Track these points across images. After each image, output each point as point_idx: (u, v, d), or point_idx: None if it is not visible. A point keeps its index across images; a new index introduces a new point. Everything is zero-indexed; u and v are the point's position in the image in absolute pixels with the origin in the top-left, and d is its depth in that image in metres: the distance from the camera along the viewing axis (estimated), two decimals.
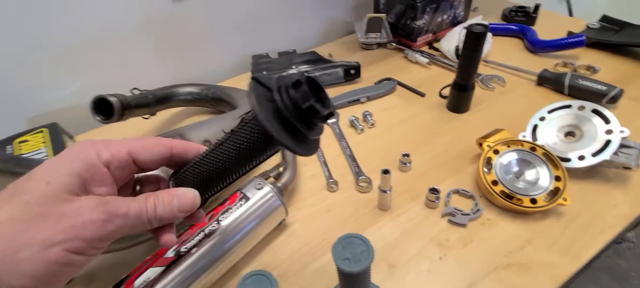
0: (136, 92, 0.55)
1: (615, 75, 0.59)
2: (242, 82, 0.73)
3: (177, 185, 0.25)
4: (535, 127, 0.46)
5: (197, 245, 0.36)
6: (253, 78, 0.22)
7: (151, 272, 0.33)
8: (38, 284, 0.18)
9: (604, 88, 0.51)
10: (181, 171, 0.25)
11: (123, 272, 0.40)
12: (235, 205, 0.39)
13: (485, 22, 0.61)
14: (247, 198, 0.40)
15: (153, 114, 0.57)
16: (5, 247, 0.17)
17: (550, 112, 0.46)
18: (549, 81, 0.57)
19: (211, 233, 0.37)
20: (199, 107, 0.66)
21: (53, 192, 0.19)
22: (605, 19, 0.70)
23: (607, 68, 0.61)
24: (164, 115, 0.65)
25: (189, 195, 0.23)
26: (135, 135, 0.62)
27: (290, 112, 0.20)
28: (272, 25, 0.79)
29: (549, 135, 0.45)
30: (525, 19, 0.76)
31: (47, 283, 0.18)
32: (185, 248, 0.35)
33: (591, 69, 0.60)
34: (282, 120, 0.20)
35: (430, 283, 0.35)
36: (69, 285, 0.40)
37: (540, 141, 0.45)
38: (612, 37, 0.64)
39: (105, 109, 0.49)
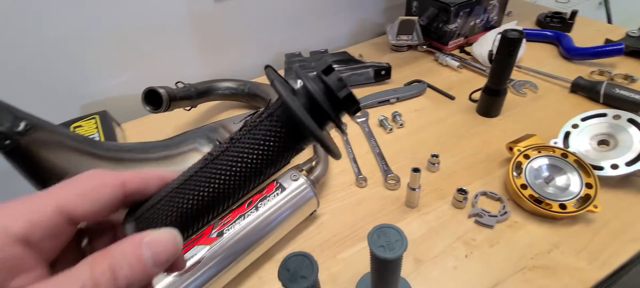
0: (180, 85, 0.59)
1: None
2: None
3: (140, 227, 0.17)
4: (567, 134, 0.46)
5: (237, 228, 0.39)
6: (267, 66, 0.18)
7: (196, 249, 0.37)
8: None
9: None
10: (145, 206, 0.18)
11: None
12: (272, 194, 0.42)
13: (520, 28, 0.61)
14: (283, 188, 0.42)
15: (194, 106, 0.62)
16: None
17: (584, 119, 0.46)
18: (584, 89, 0.57)
19: (250, 218, 0.40)
20: (235, 102, 0.70)
21: None
22: None
23: None
24: (203, 107, 0.70)
25: (163, 239, 0.15)
26: (177, 125, 0.66)
27: (325, 100, 0.16)
28: (305, 25, 0.82)
29: (582, 143, 0.45)
30: (561, 25, 0.75)
31: None
32: (227, 229, 0.39)
33: (629, 78, 0.58)
34: (314, 111, 0.16)
35: (456, 279, 0.37)
36: None
37: (572, 148, 0.45)
38: None
39: (154, 100, 0.54)
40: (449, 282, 0.37)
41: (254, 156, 0.17)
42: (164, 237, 0.15)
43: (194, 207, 0.17)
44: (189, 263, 0.35)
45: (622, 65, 0.63)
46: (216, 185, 0.17)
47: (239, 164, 0.17)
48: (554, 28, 0.75)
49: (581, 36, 0.72)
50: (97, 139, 0.59)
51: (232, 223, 0.39)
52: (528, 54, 0.70)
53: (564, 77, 0.60)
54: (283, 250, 0.42)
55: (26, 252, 0.14)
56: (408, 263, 0.39)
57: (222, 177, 0.17)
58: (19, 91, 0.64)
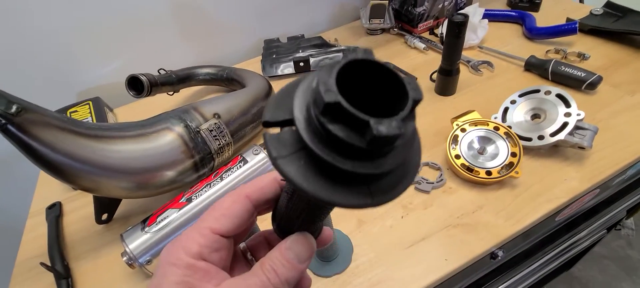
0: (162, 72, 0.65)
1: (605, 62, 0.61)
2: (254, 64, 0.81)
3: (283, 234, 0.20)
4: (506, 110, 0.50)
5: (203, 195, 0.45)
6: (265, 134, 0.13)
7: (169, 212, 0.43)
8: None
9: (582, 74, 0.54)
10: (278, 213, 0.21)
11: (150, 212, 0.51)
12: (236, 166, 0.48)
13: (482, 10, 0.65)
14: (245, 161, 0.48)
15: (177, 91, 0.67)
16: None
17: (521, 95, 0.50)
18: (535, 67, 0.60)
19: (216, 187, 0.46)
20: (215, 86, 0.75)
21: None
22: (609, 5, 0.70)
23: (599, 55, 0.62)
24: (186, 92, 0.75)
25: (301, 242, 0.19)
26: (163, 109, 0.72)
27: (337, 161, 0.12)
28: (284, 11, 0.86)
29: (518, 117, 0.49)
30: (529, 5, 0.77)
31: None
32: (195, 196, 0.45)
33: (581, 56, 0.62)
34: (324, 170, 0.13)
35: (390, 235, 0.42)
36: (111, 224, 0.51)
37: (509, 122, 0.49)
38: (611, 24, 0.65)
39: (137, 86, 0.60)
40: (384, 237, 0.42)
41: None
42: (299, 240, 0.19)
43: (300, 216, 0.19)
44: (162, 224, 0.42)
45: (580, 44, 0.66)
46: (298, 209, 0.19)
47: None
48: (523, 8, 0.78)
49: (548, 15, 0.75)
50: (90, 121, 0.65)
51: (199, 191, 0.46)
52: (493, 34, 0.73)
53: (521, 56, 0.64)
54: None
55: (207, 265, 0.19)
56: (352, 223, 0.45)
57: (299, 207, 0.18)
58: (21, 81, 0.70)
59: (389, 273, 0.39)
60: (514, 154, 0.44)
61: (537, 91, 0.49)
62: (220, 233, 0.20)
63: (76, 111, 0.68)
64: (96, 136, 0.41)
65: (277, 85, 0.70)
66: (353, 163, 0.12)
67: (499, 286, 0.67)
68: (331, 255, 0.41)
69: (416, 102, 0.12)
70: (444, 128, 0.55)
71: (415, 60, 0.72)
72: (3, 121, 0.34)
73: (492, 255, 0.43)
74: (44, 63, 0.70)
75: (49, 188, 0.60)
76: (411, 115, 0.12)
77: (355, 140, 0.11)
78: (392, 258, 0.40)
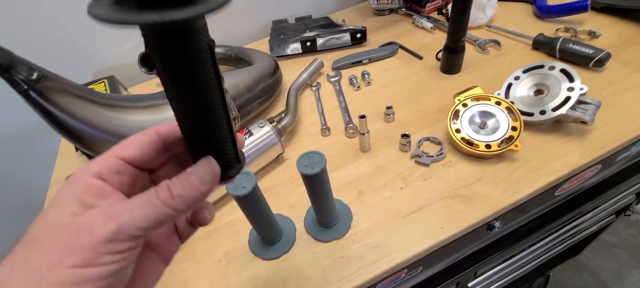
0: None
1: (616, 40, 0.59)
2: (262, 44, 0.83)
3: (195, 156, 0.21)
4: (509, 86, 0.50)
5: None
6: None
7: None
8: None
9: (590, 52, 0.53)
10: (185, 143, 0.22)
11: None
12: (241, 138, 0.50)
13: None
14: (251, 134, 0.50)
15: None
16: (37, 274, 0.17)
17: (525, 71, 0.50)
18: (543, 45, 0.60)
19: None
20: (224, 65, 0.77)
21: (55, 225, 0.18)
22: None
23: (610, 33, 0.61)
24: None
25: (203, 165, 0.20)
26: None
27: None
28: None
29: (521, 93, 0.49)
30: None
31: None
32: None
33: (592, 34, 0.60)
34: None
35: (389, 205, 0.44)
36: None
37: (512, 98, 0.49)
38: (624, 1, 0.63)
39: (149, 63, 0.62)
40: (383, 207, 0.44)
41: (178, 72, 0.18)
42: (202, 163, 0.20)
43: (198, 134, 0.20)
44: None
45: (591, 22, 0.65)
46: (189, 114, 0.19)
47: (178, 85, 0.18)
48: None
49: None
50: None
51: None
52: (502, 13, 0.72)
53: (529, 34, 0.63)
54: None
55: (103, 184, 0.20)
56: (352, 194, 0.46)
57: (186, 108, 0.19)
58: (37, 61, 0.74)
59: (386, 239, 0.40)
60: (514, 128, 0.45)
61: (541, 66, 0.48)
62: (123, 159, 0.21)
63: (92, 88, 0.71)
64: (111, 105, 0.44)
65: (284, 65, 0.71)
66: None
67: (501, 263, 0.68)
68: (331, 222, 0.42)
69: None
70: (447, 105, 0.55)
71: (422, 39, 0.72)
72: (25, 87, 0.37)
73: (489, 226, 0.44)
74: (59, 43, 0.74)
75: (68, 161, 0.63)
76: None
77: None
78: (389, 226, 0.42)
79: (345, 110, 0.59)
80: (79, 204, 0.19)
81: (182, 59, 0.17)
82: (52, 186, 0.60)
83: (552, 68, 0.47)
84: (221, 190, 0.48)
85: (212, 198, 0.48)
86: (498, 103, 0.47)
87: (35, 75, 0.37)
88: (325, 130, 0.56)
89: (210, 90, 0.19)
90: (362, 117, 0.47)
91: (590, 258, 1.20)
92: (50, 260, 0.17)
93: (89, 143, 0.43)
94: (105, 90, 0.71)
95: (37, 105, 0.38)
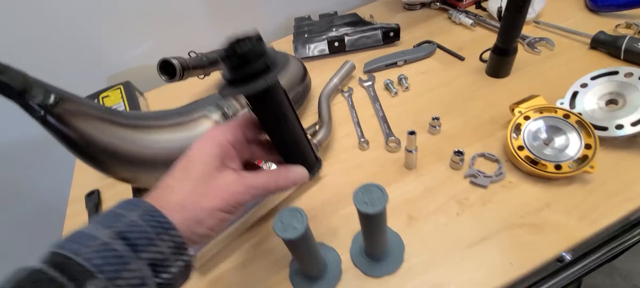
0: (193, 54, 0.62)
1: None
2: (285, 44, 0.77)
3: (286, 161, 0.32)
4: (575, 94, 0.45)
5: None
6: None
7: None
8: (211, 233, 0.27)
9: None
10: (277, 143, 0.31)
11: None
12: None
13: None
14: None
15: (208, 74, 0.65)
16: (192, 211, 0.26)
17: (593, 78, 0.44)
18: (604, 44, 0.53)
19: None
20: None
21: (208, 172, 0.27)
22: None
23: None
24: (216, 75, 0.73)
25: (298, 171, 0.31)
26: (193, 93, 0.70)
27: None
28: None
29: (589, 103, 0.43)
30: None
31: (215, 232, 0.27)
32: None
33: None
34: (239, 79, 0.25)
35: (445, 234, 0.39)
36: None
37: (578, 109, 0.44)
38: None
39: (169, 70, 0.57)
40: (438, 236, 0.39)
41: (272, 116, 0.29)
42: (298, 170, 0.31)
43: (290, 151, 0.31)
44: None
45: None
46: (280, 138, 0.31)
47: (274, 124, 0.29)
48: None
49: None
50: (123, 107, 0.64)
51: None
52: (550, 7, 0.65)
53: (585, 32, 0.57)
54: (289, 207, 0.46)
55: (234, 151, 0.28)
56: (401, 220, 0.41)
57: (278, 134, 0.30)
58: (49, 66, 0.70)
59: (446, 276, 0.36)
60: (588, 146, 0.39)
61: (615, 73, 0.43)
62: (243, 134, 0.29)
63: (108, 96, 0.67)
64: (135, 126, 0.39)
65: (311, 67, 0.66)
66: (240, 69, 0.24)
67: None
68: (381, 255, 0.38)
69: (258, 37, 0.25)
70: (499, 115, 0.50)
71: (461, 37, 0.66)
72: (42, 112, 0.32)
73: (559, 259, 0.39)
74: (72, 47, 0.69)
75: (86, 174, 0.60)
76: (258, 42, 0.24)
77: (233, 59, 0.24)
78: (448, 259, 0.37)
79: (384, 120, 0.54)
80: (220, 162, 0.27)
81: (280, 103, 0.28)
82: (70, 204, 0.56)
83: (629, 74, 0.42)
84: (257, 214, 0.44)
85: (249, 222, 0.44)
86: (566, 116, 0.41)
87: (52, 99, 0.33)
88: (364, 143, 0.51)
89: (289, 116, 0.29)
90: (412, 133, 0.42)
91: (623, 262, 1.14)
92: (211, 204, 0.26)
93: (111, 167, 0.39)
94: (122, 97, 0.67)
95: (56, 132, 0.34)
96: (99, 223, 0.23)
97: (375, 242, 0.35)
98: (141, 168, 0.40)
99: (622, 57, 0.51)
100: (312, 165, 0.32)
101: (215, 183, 0.27)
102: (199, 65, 0.61)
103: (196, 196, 0.26)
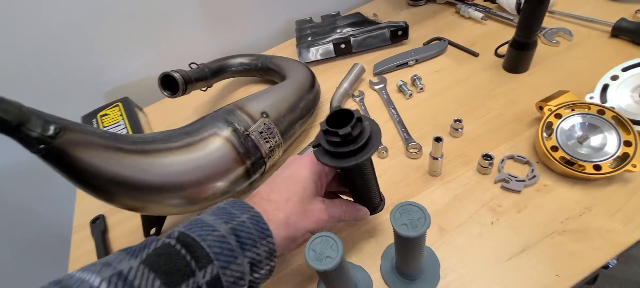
0: (194, 66, 0.59)
1: None
2: (287, 48, 0.74)
3: (358, 203, 0.37)
4: (605, 88, 0.43)
5: None
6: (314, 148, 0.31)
7: None
8: (294, 249, 0.32)
9: None
10: (352, 190, 0.36)
11: None
12: None
13: None
14: None
15: (210, 86, 0.62)
16: (291, 230, 0.30)
17: (625, 69, 0.42)
18: (627, 32, 0.51)
19: None
20: (250, 77, 0.69)
21: (307, 196, 0.31)
22: None
23: None
24: (219, 85, 0.70)
25: (364, 211, 0.36)
26: (196, 106, 0.67)
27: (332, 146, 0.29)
28: None
29: (622, 96, 0.41)
30: None
31: (300, 246, 0.32)
32: None
33: None
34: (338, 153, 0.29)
35: (481, 246, 0.37)
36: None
37: (610, 103, 0.42)
38: None
39: (171, 84, 0.54)
40: (474, 249, 0.37)
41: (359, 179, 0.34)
42: (364, 210, 0.36)
43: (362, 198, 0.36)
44: None
45: None
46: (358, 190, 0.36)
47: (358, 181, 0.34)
48: None
49: None
50: (123, 126, 0.61)
51: None
52: None
53: (604, 20, 0.55)
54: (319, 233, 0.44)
55: (322, 179, 0.33)
56: (432, 232, 0.39)
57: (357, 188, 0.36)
58: (44, 85, 0.66)
59: None
60: (627, 143, 0.37)
61: None
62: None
63: (106, 114, 0.64)
64: (143, 151, 0.36)
65: (317, 71, 0.63)
66: (341, 147, 0.28)
67: None
68: (414, 273, 0.35)
69: (358, 118, 0.28)
70: (523, 112, 0.48)
71: (472, 32, 0.64)
72: (42, 146, 0.29)
73: (604, 266, 0.37)
74: (65, 64, 0.66)
75: (90, 198, 0.56)
76: (358, 123, 0.28)
77: (336, 138, 0.28)
78: (488, 274, 0.35)
79: (401, 125, 0.51)
80: (316, 188, 0.32)
81: (364, 170, 0.32)
82: (75, 232, 0.53)
83: None
84: None
85: None
86: (601, 112, 0.39)
87: (51, 130, 0.29)
88: (383, 150, 0.48)
89: (368, 177, 0.34)
90: (438, 140, 0.39)
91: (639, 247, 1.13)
92: (306, 224, 0.31)
93: (120, 198, 0.36)
94: (121, 114, 0.63)
95: (59, 166, 0.31)
96: (216, 216, 0.28)
97: (413, 262, 0.32)
98: (151, 196, 0.37)
99: None
100: (377, 205, 0.38)
101: (310, 207, 0.31)
102: (202, 77, 0.58)
103: (297, 217, 0.30)
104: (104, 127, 0.62)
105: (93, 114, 0.65)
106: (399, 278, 0.36)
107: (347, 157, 0.28)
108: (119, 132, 0.59)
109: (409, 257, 0.31)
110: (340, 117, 0.29)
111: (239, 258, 0.26)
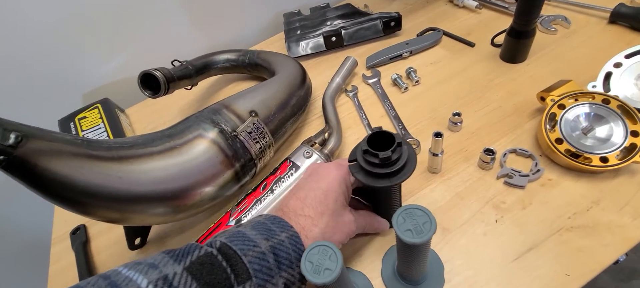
0: (177, 63, 0.56)
1: None
2: (276, 43, 0.71)
3: (380, 215, 0.37)
4: (608, 75, 0.41)
5: (253, 212, 0.38)
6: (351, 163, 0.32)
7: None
8: None
9: None
10: (374, 203, 0.37)
11: (189, 235, 0.44)
12: (286, 174, 0.40)
13: None
14: (297, 167, 0.40)
15: (195, 85, 0.58)
16: (330, 241, 0.27)
17: (628, 56, 0.40)
18: (626, 18, 0.50)
19: (266, 201, 0.38)
20: (237, 74, 0.66)
21: (338, 209, 0.31)
22: None
23: None
24: (205, 83, 0.66)
25: (385, 223, 0.37)
26: (181, 106, 0.64)
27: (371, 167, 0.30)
28: None
29: (626, 85, 0.40)
30: None
31: None
32: (244, 215, 0.37)
33: None
34: (374, 174, 0.30)
35: (487, 246, 0.35)
36: (145, 247, 0.44)
37: (613, 92, 0.40)
38: None
39: (152, 84, 0.51)
40: (479, 249, 0.35)
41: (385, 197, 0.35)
42: (384, 222, 0.37)
43: (383, 212, 0.37)
44: None
45: None
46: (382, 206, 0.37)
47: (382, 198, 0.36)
48: None
49: None
50: (103, 129, 0.57)
51: (249, 210, 0.38)
52: None
53: (602, 5, 0.53)
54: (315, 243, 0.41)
55: (349, 190, 0.33)
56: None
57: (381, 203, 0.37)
58: (18, 88, 0.62)
59: None
60: (634, 133, 0.35)
61: None
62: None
63: (85, 117, 0.60)
64: (119, 158, 0.33)
65: (308, 66, 0.60)
66: (378, 168, 0.29)
67: None
68: (416, 276, 0.33)
69: (399, 143, 0.29)
70: (523, 104, 0.46)
71: (467, 21, 0.62)
72: (1, 157, 0.26)
73: (615, 261, 0.35)
74: (42, 65, 0.62)
75: (66, 215, 0.53)
76: (398, 147, 0.29)
77: (375, 159, 0.29)
78: (496, 275, 0.33)
79: (397, 119, 0.49)
80: (345, 200, 0.32)
81: (394, 190, 0.34)
82: (54, 244, 0.50)
83: None
84: None
85: None
86: (606, 101, 0.37)
87: (12, 139, 0.26)
88: None
89: (397, 196, 0.35)
90: (439, 135, 0.37)
91: None
92: (337, 237, 0.31)
93: (96, 210, 0.32)
94: (101, 117, 0.60)
95: (22, 177, 0.27)
96: (257, 231, 0.27)
97: (417, 268, 0.30)
98: (131, 206, 0.34)
99: None
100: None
101: (342, 220, 0.31)
102: (186, 75, 0.55)
103: (331, 231, 0.30)
104: (83, 130, 0.58)
105: (71, 117, 0.61)
106: (402, 283, 0.34)
107: (382, 178, 0.29)
108: (98, 137, 0.55)
109: (413, 263, 0.29)
110: (380, 137, 0.30)
111: (275, 277, 0.26)
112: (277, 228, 0.28)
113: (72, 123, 0.59)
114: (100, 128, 0.57)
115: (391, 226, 0.36)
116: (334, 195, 0.31)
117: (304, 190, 0.31)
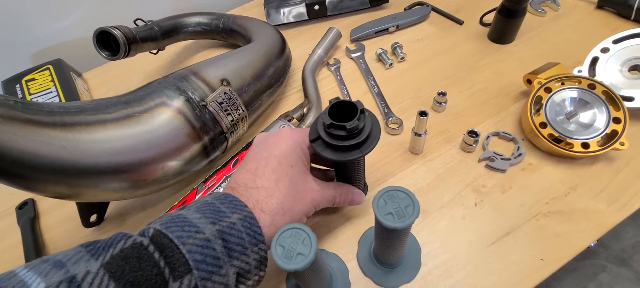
0: (140, 23, 0.50)
1: None
2: (254, 9, 0.66)
3: (345, 181, 0.33)
4: (594, 61, 0.40)
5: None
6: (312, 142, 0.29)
7: None
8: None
9: None
10: (339, 178, 0.34)
11: (151, 213, 0.41)
12: None
13: None
14: None
15: (162, 49, 0.53)
16: (287, 217, 0.26)
17: (616, 42, 0.40)
18: (613, 4, 0.49)
19: None
20: (210, 40, 0.61)
21: (299, 176, 0.28)
22: None
23: None
24: (174, 48, 0.61)
25: (358, 196, 0.33)
26: (147, 71, 0.58)
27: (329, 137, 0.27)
28: None
29: (611, 70, 0.39)
30: None
31: None
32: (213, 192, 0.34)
33: None
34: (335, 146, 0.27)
35: (465, 229, 0.34)
36: (103, 225, 0.41)
37: (599, 77, 0.39)
38: None
39: (110, 44, 0.45)
40: (457, 232, 0.34)
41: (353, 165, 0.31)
42: (360, 194, 0.34)
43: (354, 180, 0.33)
44: None
45: None
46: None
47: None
48: None
49: None
50: (55, 93, 0.51)
51: (217, 186, 0.35)
52: None
53: None
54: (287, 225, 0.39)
55: (308, 156, 0.30)
56: None
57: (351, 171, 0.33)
58: None
59: (472, 279, 0.31)
60: (616, 120, 0.35)
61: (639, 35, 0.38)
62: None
63: (34, 79, 0.53)
64: (64, 125, 0.29)
65: (288, 35, 0.56)
66: (346, 140, 0.27)
67: None
68: (393, 260, 0.32)
69: (362, 110, 0.26)
70: (509, 86, 0.45)
71: None
72: None
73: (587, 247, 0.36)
74: None
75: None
76: (362, 116, 0.26)
77: (342, 132, 0.26)
78: (472, 260, 0.32)
79: (380, 97, 0.47)
80: (305, 166, 0.29)
81: (357, 164, 0.31)
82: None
83: None
84: None
85: None
86: (591, 86, 0.37)
87: None
88: None
89: (363, 166, 0.33)
90: (423, 114, 0.35)
91: None
92: (300, 207, 0.28)
93: (38, 184, 0.28)
94: (53, 80, 0.53)
95: None
96: (202, 214, 0.23)
97: (395, 252, 0.29)
98: (80, 180, 0.30)
99: (632, 17, 0.47)
100: (361, 190, 0.35)
101: (304, 187, 0.28)
102: (150, 37, 0.49)
103: (291, 200, 0.27)
104: (31, 94, 0.51)
105: (17, 79, 0.54)
106: (378, 267, 0.33)
107: (352, 150, 0.27)
108: (48, 101, 0.49)
109: (391, 247, 0.28)
110: (340, 109, 0.27)
111: (224, 267, 0.22)
112: (228, 209, 0.24)
113: (18, 85, 0.53)
114: (51, 92, 0.51)
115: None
116: (288, 160, 0.27)
117: (255, 161, 0.27)
